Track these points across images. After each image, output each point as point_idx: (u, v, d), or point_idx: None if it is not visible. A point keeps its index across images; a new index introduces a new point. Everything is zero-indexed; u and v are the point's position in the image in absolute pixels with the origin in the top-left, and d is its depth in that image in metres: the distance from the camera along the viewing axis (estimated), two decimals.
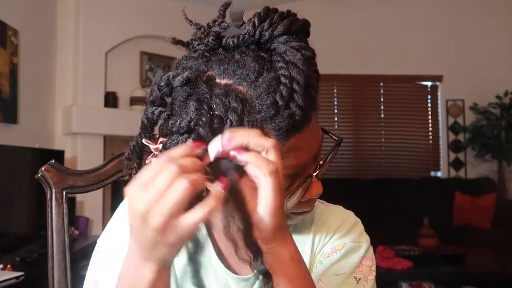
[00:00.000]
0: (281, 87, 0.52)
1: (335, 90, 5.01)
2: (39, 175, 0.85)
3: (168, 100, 0.59)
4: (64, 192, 0.86)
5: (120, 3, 3.79)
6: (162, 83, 0.56)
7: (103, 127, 3.61)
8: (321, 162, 0.61)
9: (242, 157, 0.47)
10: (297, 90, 0.52)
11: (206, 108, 0.52)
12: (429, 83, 5.03)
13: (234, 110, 0.51)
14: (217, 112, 0.51)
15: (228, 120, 0.51)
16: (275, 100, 0.52)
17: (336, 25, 4.68)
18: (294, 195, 0.59)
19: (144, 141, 0.60)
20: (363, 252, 0.72)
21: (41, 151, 3.01)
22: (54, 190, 0.86)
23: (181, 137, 0.54)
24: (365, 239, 0.74)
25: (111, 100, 3.74)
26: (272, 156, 0.47)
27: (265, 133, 0.53)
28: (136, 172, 0.65)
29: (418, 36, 4.87)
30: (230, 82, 0.54)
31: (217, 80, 0.55)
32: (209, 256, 0.69)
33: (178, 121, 0.53)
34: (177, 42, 0.60)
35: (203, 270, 0.69)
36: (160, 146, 0.59)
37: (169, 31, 3.77)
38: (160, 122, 0.59)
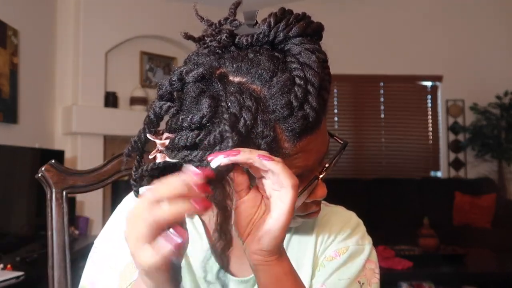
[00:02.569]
0: (296, 88, 0.52)
1: (335, 90, 5.01)
2: (39, 175, 0.85)
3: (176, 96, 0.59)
4: (64, 192, 0.86)
5: (120, 3, 3.79)
6: (174, 78, 0.56)
7: (103, 127, 3.61)
8: (327, 165, 0.61)
9: (268, 164, 0.48)
10: (311, 91, 0.52)
11: (222, 105, 0.52)
12: (429, 83, 5.03)
13: (248, 109, 0.51)
14: (231, 110, 0.51)
15: (242, 118, 0.50)
16: (290, 101, 0.51)
17: (337, 25, 4.67)
18: (300, 197, 0.59)
19: (148, 136, 0.59)
20: (366, 255, 0.72)
21: (41, 151, 3.01)
22: (54, 190, 0.86)
23: (191, 133, 0.54)
24: (368, 241, 0.74)
25: (111, 100, 3.74)
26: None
27: (278, 133, 0.53)
28: (136, 170, 0.65)
29: (418, 36, 4.87)
30: (244, 80, 0.54)
31: (230, 78, 0.54)
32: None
33: (190, 116, 0.53)
34: (188, 37, 0.60)
35: (199, 272, 0.69)
36: (167, 141, 0.58)
37: (169, 31, 3.77)
38: (166, 117, 0.59)
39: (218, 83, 0.53)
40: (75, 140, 3.55)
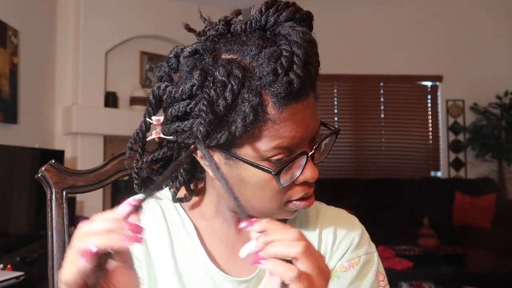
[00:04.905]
0: (282, 58, 0.54)
1: (335, 90, 5.01)
2: (39, 175, 0.85)
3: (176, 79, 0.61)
4: (64, 192, 0.86)
5: (120, 3, 3.78)
6: (171, 55, 0.60)
7: (103, 127, 3.61)
8: (316, 146, 0.61)
9: (265, 266, 0.49)
10: (296, 62, 0.55)
11: (210, 74, 0.55)
12: (429, 83, 5.03)
13: (236, 76, 0.54)
14: (219, 78, 0.54)
15: (229, 84, 0.53)
16: (275, 68, 0.54)
17: (336, 25, 4.68)
18: (288, 171, 0.59)
19: (147, 119, 0.62)
20: (376, 266, 0.73)
21: (41, 151, 3.00)
22: (54, 190, 0.86)
23: (182, 102, 0.57)
24: (374, 247, 0.76)
25: (111, 100, 3.74)
26: (300, 264, 0.48)
27: (264, 100, 0.55)
28: (137, 162, 0.66)
29: (418, 36, 4.87)
30: (235, 57, 0.57)
31: (223, 56, 0.58)
32: (203, 263, 0.69)
33: (181, 87, 0.56)
34: (189, 29, 0.64)
35: (198, 278, 0.69)
36: (162, 118, 0.61)
37: (169, 31, 3.78)
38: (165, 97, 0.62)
39: (210, 58, 0.57)
40: (75, 140, 3.55)
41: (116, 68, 3.87)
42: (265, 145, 0.57)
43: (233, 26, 0.60)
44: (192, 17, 0.65)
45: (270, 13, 0.58)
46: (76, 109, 3.47)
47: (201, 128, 0.53)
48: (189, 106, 0.56)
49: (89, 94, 3.61)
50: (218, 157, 0.61)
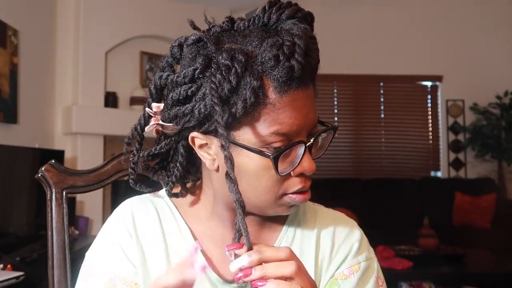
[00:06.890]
0: (284, 47, 0.56)
1: (335, 90, 5.01)
2: (39, 175, 0.85)
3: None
4: (64, 192, 0.86)
5: (120, 3, 3.78)
6: (175, 44, 0.61)
7: (103, 127, 3.60)
8: (314, 138, 0.61)
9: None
10: (298, 51, 0.56)
11: (214, 60, 0.56)
12: (429, 83, 5.03)
13: (239, 60, 0.55)
14: (223, 61, 0.55)
15: (233, 68, 0.54)
16: (277, 54, 0.55)
17: (336, 25, 4.68)
18: (285, 159, 0.59)
19: (147, 109, 0.62)
20: (375, 272, 0.73)
21: (41, 151, 3.01)
22: (54, 190, 0.86)
23: (184, 86, 0.57)
24: (372, 252, 0.75)
25: (111, 100, 3.73)
26: (296, 282, 0.51)
27: (265, 84, 0.56)
28: (134, 155, 0.66)
29: (418, 36, 4.87)
30: (238, 47, 0.58)
31: (226, 46, 0.59)
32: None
33: (184, 71, 0.57)
34: (194, 27, 0.64)
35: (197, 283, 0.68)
36: (162, 105, 0.62)
37: (169, 31, 3.78)
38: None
39: (213, 46, 0.58)
40: (75, 140, 3.55)
41: (116, 68, 3.87)
42: (264, 130, 0.57)
43: (236, 23, 0.62)
44: (192, 17, 0.65)
45: (273, 11, 0.60)
46: (76, 109, 3.47)
47: (217, 104, 0.53)
48: (191, 89, 0.57)
49: (89, 94, 3.61)
50: (215, 144, 0.61)
